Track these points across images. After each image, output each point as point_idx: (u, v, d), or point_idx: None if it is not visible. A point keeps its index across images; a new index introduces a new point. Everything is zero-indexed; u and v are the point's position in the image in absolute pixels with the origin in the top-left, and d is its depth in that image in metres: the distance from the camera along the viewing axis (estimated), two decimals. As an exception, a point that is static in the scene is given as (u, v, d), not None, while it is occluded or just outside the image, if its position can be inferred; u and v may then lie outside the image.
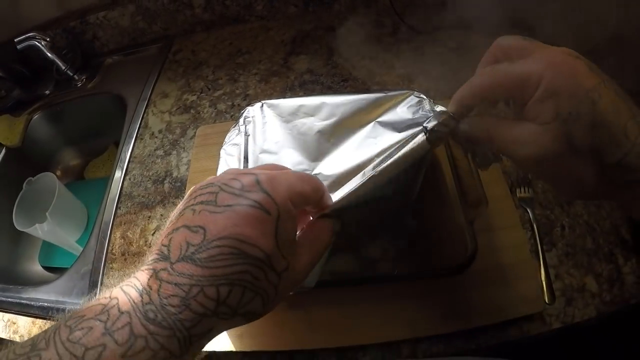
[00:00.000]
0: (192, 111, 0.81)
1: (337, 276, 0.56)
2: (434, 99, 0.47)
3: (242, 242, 0.27)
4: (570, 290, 0.57)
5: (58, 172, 0.98)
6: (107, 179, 0.75)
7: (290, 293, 0.34)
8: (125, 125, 0.81)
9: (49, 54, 0.87)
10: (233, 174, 0.31)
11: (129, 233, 0.66)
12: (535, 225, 0.61)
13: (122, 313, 0.26)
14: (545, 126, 0.29)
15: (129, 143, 0.77)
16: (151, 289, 0.27)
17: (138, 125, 0.80)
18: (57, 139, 0.97)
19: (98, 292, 0.61)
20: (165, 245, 0.28)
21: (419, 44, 0.84)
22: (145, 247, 0.64)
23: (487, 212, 0.52)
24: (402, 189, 0.51)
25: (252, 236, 0.28)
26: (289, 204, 0.30)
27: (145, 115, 0.81)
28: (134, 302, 0.27)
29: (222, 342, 0.54)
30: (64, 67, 0.90)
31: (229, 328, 0.30)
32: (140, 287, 0.27)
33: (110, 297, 0.28)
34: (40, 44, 0.85)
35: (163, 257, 0.28)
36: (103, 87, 0.91)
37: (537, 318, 0.55)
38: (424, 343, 0.54)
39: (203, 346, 0.30)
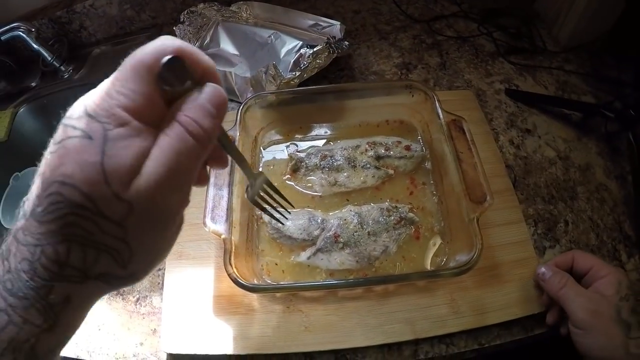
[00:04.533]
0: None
1: (335, 277, 0.54)
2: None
3: (63, 184, 0.21)
4: (575, 288, 0.55)
5: (46, 167, 0.96)
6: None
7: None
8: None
9: (34, 45, 0.83)
10: (78, 100, 0.24)
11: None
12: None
13: None
14: (606, 297, 0.46)
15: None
16: (10, 253, 0.23)
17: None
18: (44, 133, 0.93)
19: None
20: (26, 199, 0.23)
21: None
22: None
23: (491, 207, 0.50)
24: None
25: (71, 174, 0.21)
26: (121, 114, 0.22)
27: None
28: None
29: (218, 345, 0.52)
30: (50, 58, 0.86)
31: (98, 295, 0.25)
32: (4, 252, 0.23)
33: None
34: (26, 34, 0.81)
35: (23, 213, 0.23)
36: (91, 78, 0.87)
37: (542, 317, 0.53)
38: (426, 344, 0.53)
39: (78, 316, 0.25)
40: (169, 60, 0.23)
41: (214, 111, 0.24)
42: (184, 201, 0.26)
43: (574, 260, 0.51)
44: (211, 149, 0.26)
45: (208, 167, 0.31)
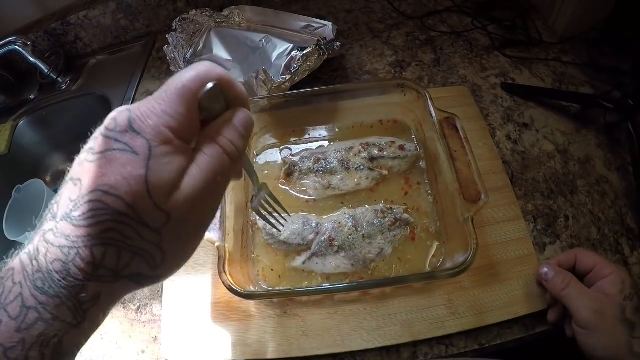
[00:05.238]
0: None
1: (332, 280, 0.54)
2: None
3: (106, 193, 0.23)
4: (576, 284, 0.54)
5: (48, 178, 0.96)
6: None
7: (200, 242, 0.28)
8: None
9: (31, 58, 0.84)
10: (116, 111, 0.25)
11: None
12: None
13: (15, 284, 0.24)
14: (609, 296, 0.46)
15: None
16: (39, 253, 0.24)
17: (123, 128, 0.77)
18: (45, 144, 0.94)
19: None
20: (55, 202, 0.25)
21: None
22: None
23: (488, 204, 0.50)
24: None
25: (115, 185, 0.23)
26: (165, 133, 0.24)
27: (130, 116, 0.79)
28: (25, 270, 0.24)
29: (216, 352, 0.52)
30: (47, 71, 0.87)
31: (125, 293, 0.27)
32: (32, 253, 0.25)
33: (9, 267, 0.25)
34: (22, 48, 0.82)
35: (52, 215, 0.25)
36: (88, 88, 0.88)
37: (544, 314, 0.52)
38: (425, 345, 0.52)
39: (104, 313, 0.27)
40: (211, 88, 0.25)
41: (245, 133, 0.28)
42: (215, 209, 0.28)
43: (577, 259, 0.51)
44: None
45: None
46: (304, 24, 0.79)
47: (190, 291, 0.57)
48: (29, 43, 0.83)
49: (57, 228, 0.24)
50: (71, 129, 0.93)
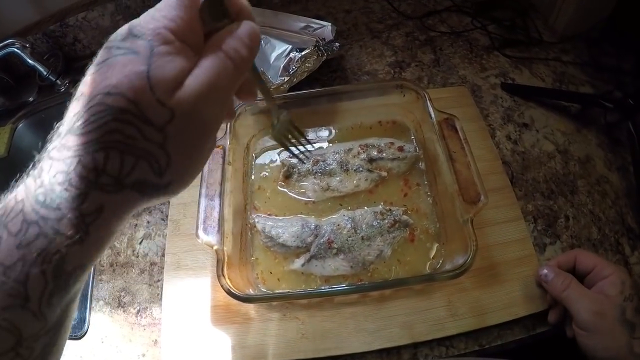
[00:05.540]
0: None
1: (331, 283, 0.54)
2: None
3: (108, 94, 0.23)
4: (577, 285, 0.54)
5: (48, 181, 0.97)
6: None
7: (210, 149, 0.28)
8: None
9: (29, 61, 0.84)
10: (121, 27, 0.26)
11: (116, 243, 0.64)
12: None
13: (17, 202, 0.24)
14: (609, 297, 0.45)
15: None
16: (43, 171, 0.24)
17: (122, 130, 0.77)
18: (45, 147, 0.94)
19: (88, 307, 0.61)
20: (61, 123, 0.25)
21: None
22: (132, 257, 0.63)
23: (487, 205, 0.49)
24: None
25: (116, 84, 0.23)
26: (165, 33, 0.24)
27: (129, 119, 0.79)
28: (28, 188, 0.24)
29: (216, 355, 0.52)
30: (46, 73, 0.87)
31: (130, 208, 0.26)
32: (35, 172, 0.25)
33: (13, 191, 0.25)
34: (20, 50, 0.82)
35: (57, 135, 0.25)
36: (87, 91, 0.88)
37: (544, 315, 0.52)
38: (425, 347, 0.52)
39: (108, 231, 0.26)
40: None
41: (250, 43, 0.27)
42: (220, 117, 0.27)
43: (577, 260, 0.50)
44: (244, 77, 0.28)
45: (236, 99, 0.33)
46: (302, 24, 0.79)
47: (189, 294, 0.56)
48: (27, 45, 0.82)
49: (61, 143, 0.24)
50: (70, 131, 0.93)
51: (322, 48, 0.68)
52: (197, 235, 0.50)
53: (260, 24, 0.83)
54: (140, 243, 0.64)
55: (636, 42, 0.73)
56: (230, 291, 0.46)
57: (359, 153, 0.61)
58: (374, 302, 0.53)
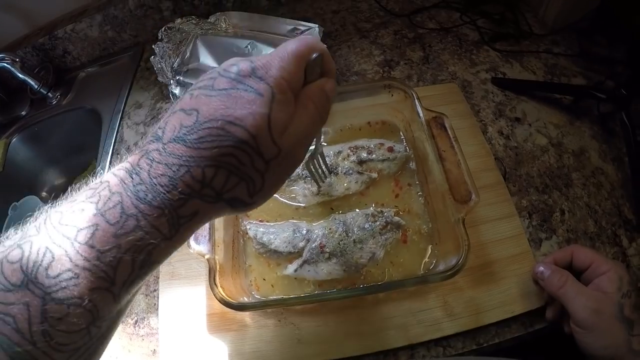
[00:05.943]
0: (169, 120, 0.77)
1: (324, 287, 0.54)
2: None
3: (230, 123, 0.27)
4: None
5: (44, 193, 0.96)
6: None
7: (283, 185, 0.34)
8: (101, 141, 0.78)
9: (20, 75, 0.84)
10: (233, 60, 0.31)
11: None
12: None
13: (113, 193, 0.27)
14: (607, 294, 0.45)
15: (106, 160, 0.75)
16: (142, 169, 0.27)
17: (113, 140, 0.77)
18: (39, 160, 0.94)
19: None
20: (160, 128, 0.29)
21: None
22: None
23: (481, 202, 0.49)
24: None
25: (240, 117, 0.27)
26: (283, 84, 0.29)
27: (120, 128, 0.79)
28: (124, 183, 0.27)
29: (211, 363, 0.52)
30: (37, 86, 0.87)
31: (217, 216, 0.31)
32: (131, 168, 0.28)
33: (101, 181, 0.28)
34: (10, 65, 0.82)
35: (156, 138, 0.28)
36: (78, 102, 0.87)
37: (542, 311, 0.52)
38: (422, 347, 0.52)
39: (191, 232, 0.30)
40: (316, 56, 0.32)
41: (330, 99, 0.34)
42: (304, 156, 0.33)
43: (573, 256, 0.50)
44: None
45: None
46: (290, 27, 0.79)
47: (185, 303, 0.56)
48: (17, 59, 0.83)
49: (165, 148, 0.27)
50: (64, 143, 0.93)
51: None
52: (188, 245, 0.50)
53: (248, 28, 0.83)
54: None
55: (627, 31, 0.72)
56: (224, 300, 0.46)
57: (348, 155, 0.60)
58: (368, 305, 0.53)
